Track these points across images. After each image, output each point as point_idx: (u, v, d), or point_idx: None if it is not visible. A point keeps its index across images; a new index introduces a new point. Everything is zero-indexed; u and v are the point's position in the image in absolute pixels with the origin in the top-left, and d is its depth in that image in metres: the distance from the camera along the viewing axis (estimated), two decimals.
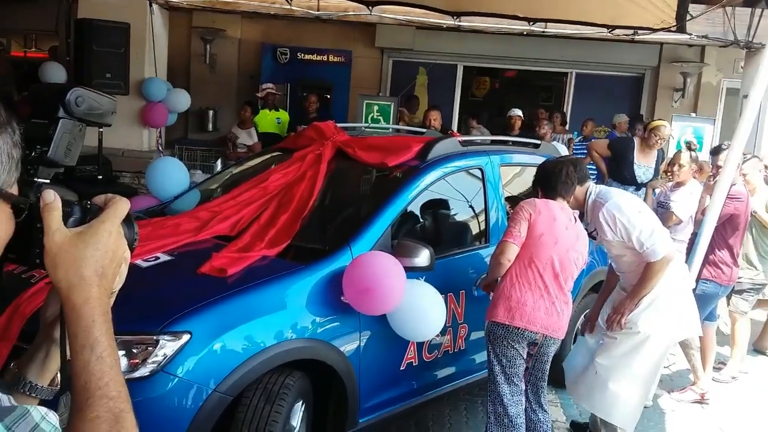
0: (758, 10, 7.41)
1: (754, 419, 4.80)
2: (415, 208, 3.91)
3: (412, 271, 3.33)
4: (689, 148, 5.80)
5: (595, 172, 6.34)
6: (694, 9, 7.06)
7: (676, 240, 5.04)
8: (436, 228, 4.19)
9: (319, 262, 3.27)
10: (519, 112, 8.61)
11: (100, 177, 6.59)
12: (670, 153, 6.72)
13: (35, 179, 1.09)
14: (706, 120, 8.38)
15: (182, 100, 8.10)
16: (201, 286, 3.02)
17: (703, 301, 4.81)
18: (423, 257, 3.35)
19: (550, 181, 3.54)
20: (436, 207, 4.17)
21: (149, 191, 4.35)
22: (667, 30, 7.16)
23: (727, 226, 4.79)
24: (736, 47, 7.81)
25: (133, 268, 3.15)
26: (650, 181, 6.06)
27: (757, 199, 5.12)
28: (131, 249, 1.04)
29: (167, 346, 2.71)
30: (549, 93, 15.29)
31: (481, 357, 4.10)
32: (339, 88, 10.76)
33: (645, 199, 5.73)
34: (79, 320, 0.94)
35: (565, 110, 11.34)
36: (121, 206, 1.02)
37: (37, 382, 1.08)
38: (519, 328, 3.30)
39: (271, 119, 8.86)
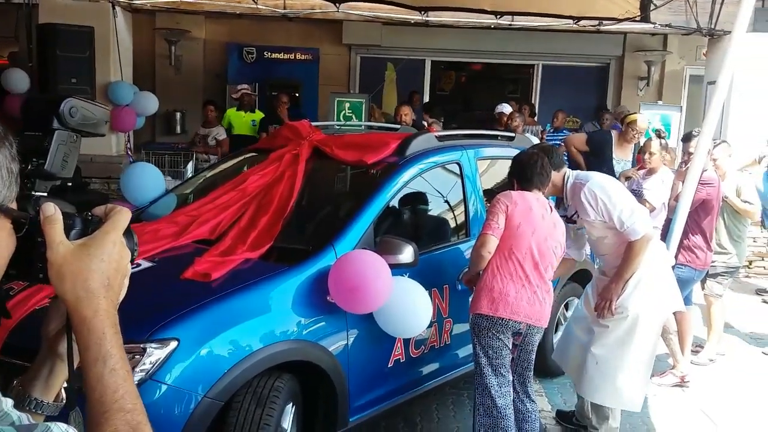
0: None
1: (734, 400, 4.89)
2: (395, 204, 3.92)
3: (396, 268, 3.33)
4: (659, 136, 5.89)
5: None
6: None
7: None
8: (417, 223, 4.20)
9: (303, 263, 3.25)
10: (508, 108, 8.56)
11: (70, 184, 6.44)
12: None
13: (33, 193, 1.06)
14: (673, 108, 8.54)
15: (150, 102, 7.97)
16: (186, 291, 2.99)
17: (679, 286, 4.88)
18: (407, 254, 3.36)
19: (526, 173, 3.58)
20: (416, 202, 4.18)
21: (124, 197, 4.27)
22: (632, 20, 7.26)
23: (700, 211, 4.88)
24: (699, 35, 7.93)
25: None
26: (623, 171, 6.14)
27: (728, 183, 5.22)
28: (132, 259, 1.03)
29: (155, 354, 2.68)
30: (516, 85, 15.39)
31: (465, 351, 4.12)
32: (307, 86, 10.71)
33: None
34: (90, 334, 0.92)
35: (533, 102, 11.45)
36: (123, 217, 1.01)
37: (43, 399, 1.06)
38: (503, 318, 3.33)
39: (246, 121, 8.77)
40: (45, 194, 1.06)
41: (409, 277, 3.53)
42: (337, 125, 5.08)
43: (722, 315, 5.55)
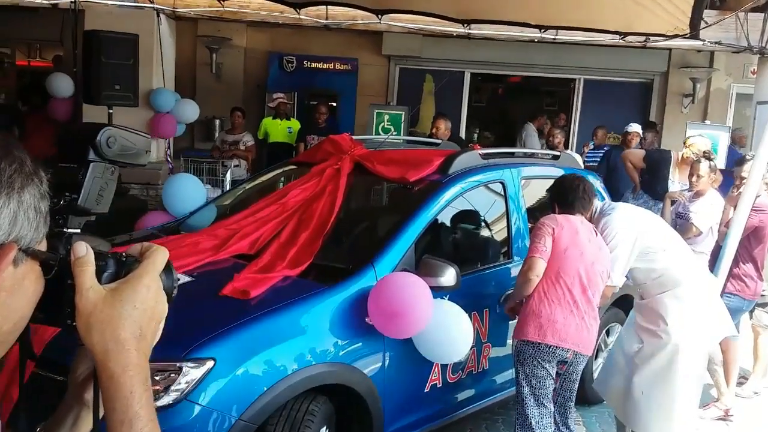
0: None
1: None
2: (437, 223, 3.83)
3: (437, 291, 3.25)
4: (707, 158, 5.71)
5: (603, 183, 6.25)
6: (707, 15, 6.98)
7: (697, 251, 4.95)
8: (458, 244, 4.11)
9: (342, 283, 3.18)
10: (637, 127, 8.11)
11: None
12: None
13: (65, 230, 1.00)
14: (721, 127, 8.29)
15: (190, 110, 8.02)
16: (224, 309, 2.94)
17: None
18: (449, 276, 3.27)
19: (567, 197, 3.48)
20: (458, 222, 4.09)
21: (165, 207, 4.26)
22: (681, 37, 7.08)
23: (752, 238, 4.70)
24: (749, 53, 7.71)
25: None
26: (669, 192, 5.96)
27: None
28: (170, 298, 0.96)
29: (191, 374, 2.63)
30: (553, 98, 15.23)
31: (504, 377, 4.02)
32: (345, 96, 10.69)
33: (663, 210, 5.63)
34: (117, 392, 0.85)
35: (573, 117, 11.28)
36: (160, 257, 0.94)
37: None
38: (550, 345, 3.22)
39: (282, 128, 8.80)
40: (78, 231, 1.00)
41: (449, 299, 3.44)
42: (379, 139, 5.00)
43: None
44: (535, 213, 4.47)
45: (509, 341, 3.99)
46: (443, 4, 7.08)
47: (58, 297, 0.86)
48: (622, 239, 3.62)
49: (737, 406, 4.91)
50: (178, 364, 2.62)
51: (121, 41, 6.53)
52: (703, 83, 10.60)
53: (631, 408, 3.76)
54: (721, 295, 4.57)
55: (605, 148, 9.13)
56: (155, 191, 7.87)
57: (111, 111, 6.62)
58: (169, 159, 8.41)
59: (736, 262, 4.65)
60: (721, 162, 7.27)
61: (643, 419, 3.74)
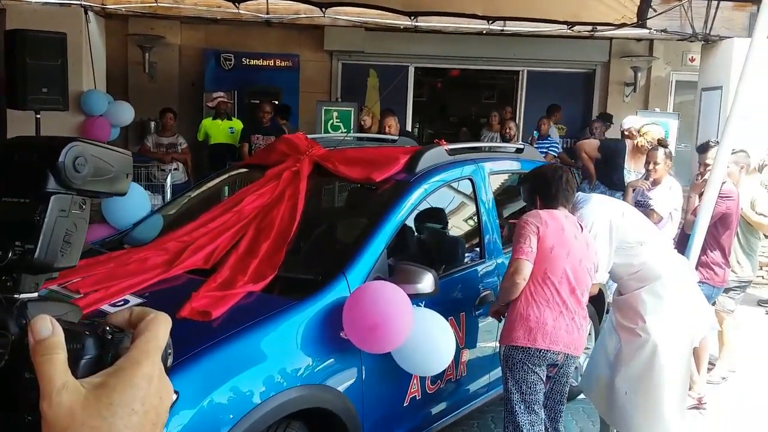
0: (714, 3, 7.37)
1: (750, 420, 4.67)
2: (406, 225, 3.59)
3: (413, 298, 3.01)
4: (662, 145, 5.68)
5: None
6: (654, 3, 6.97)
7: None
8: (429, 246, 3.88)
9: (313, 296, 2.90)
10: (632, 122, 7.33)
11: None
12: None
13: (15, 296, 0.68)
14: (671, 115, 8.35)
15: (125, 112, 7.55)
16: (183, 333, 2.61)
17: None
18: (426, 282, 3.03)
19: (551, 189, 3.29)
20: (427, 223, 3.87)
21: (106, 219, 3.89)
22: (628, 25, 7.05)
23: (719, 225, 4.65)
24: (694, 40, 7.76)
25: (100, 315, 2.61)
26: (629, 182, 5.92)
27: (742, 195, 5.00)
28: (166, 370, 0.69)
29: None
30: (492, 91, 15.23)
31: (483, 381, 3.84)
32: (288, 93, 10.35)
33: (624, 200, 5.56)
34: None
35: (518, 109, 11.24)
36: (162, 328, 0.67)
37: None
38: (541, 349, 3.03)
39: (223, 129, 8.42)
40: (35, 295, 0.69)
41: (424, 306, 3.21)
42: (338, 138, 4.72)
43: (735, 331, 5.34)
44: (505, 209, 4.30)
45: (485, 345, 3.81)
46: None
47: (10, 401, 0.58)
48: (598, 231, 3.47)
49: (709, 393, 4.88)
50: None
51: (47, 41, 6.04)
52: (643, 72, 10.73)
53: (616, 409, 3.63)
54: None
55: (550, 140, 9.11)
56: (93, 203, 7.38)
57: (38, 116, 6.13)
58: None
59: (704, 250, 4.59)
60: (672, 149, 7.28)
61: (628, 421, 3.61)
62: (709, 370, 5.25)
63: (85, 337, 0.62)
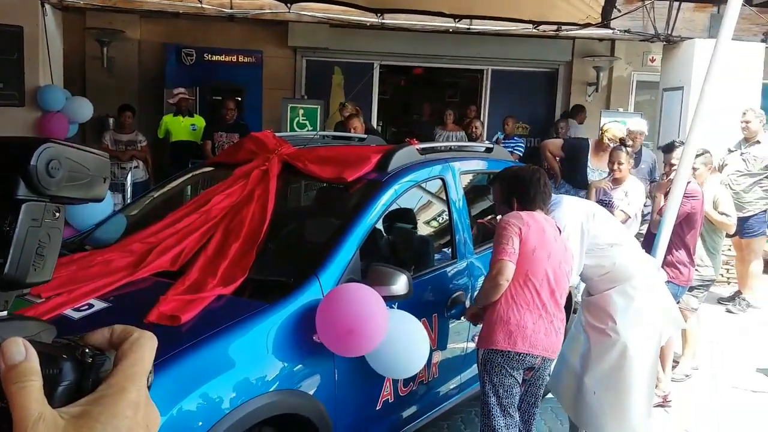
0: (675, 4, 7.49)
1: (714, 416, 4.74)
2: (378, 226, 3.54)
3: (388, 300, 2.96)
4: (624, 145, 5.76)
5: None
6: (617, 4, 7.05)
7: None
8: (401, 247, 3.84)
9: (284, 299, 2.83)
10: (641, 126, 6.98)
11: None
12: None
13: None
14: (634, 114, 8.46)
15: (83, 108, 7.32)
16: None
17: None
18: (400, 284, 2.99)
19: (528, 191, 3.26)
20: (398, 223, 3.82)
21: (65, 220, 3.74)
22: (593, 26, 7.11)
23: (684, 225, 4.70)
24: (656, 41, 7.87)
25: (63, 320, 2.49)
26: (592, 181, 5.97)
27: (705, 195, 5.08)
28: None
29: None
30: (455, 90, 15.27)
31: (455, 382, 3.81)
32: (251, 90, 10.21)
33: (588, 199, 5.61)
34: None
35: (482, 108, 11.28)
36: (148, 350, 0.61)
37: None
38: (520, 353, 3.01)
39: (185, 126, 8.25)
40: (4, 313, 0.62)
41: (398, 307, 3.16)
42: (307, 136, 4.64)
43: (698, 329, 5.42)
44: (474, 209, 4.28)
45: (457, 346, 3.79)
46: None
47: None
48: (570, 234, 3.47)
49: (674, 391, 4.94)
50: None
51: (3, 34, 5.82)
52: (605, 72, 10.87)
53: (584, 409, 3.64)
54: None
55: (515, 139, 9.16)
56: None
57: None
58: None
59: (669, 250, 4.63)
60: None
61: (596, 420, 3.63)
62: (672, 368, 5.33)
63: (62, 361, 0.56)
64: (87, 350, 0.59)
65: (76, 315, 2.64)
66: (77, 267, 3.05)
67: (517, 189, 3.27)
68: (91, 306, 2.72)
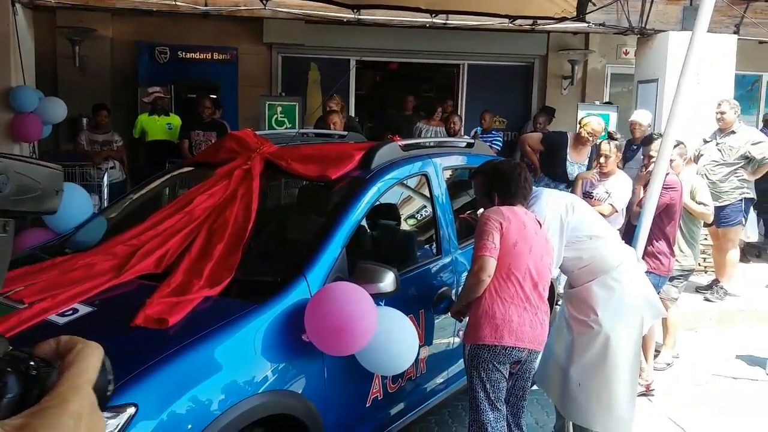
0: None
1: (696, 404, 4.82)
2: (363, 223, 3.54)
3: (376, 298, 2.95)
4: (611, 138, 5.80)
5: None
6: None
7: None
8: (386, 244, 3.83)
9: (272, 299, 2.81)
10: (646, 117, 7.19)
11: None
12: None
13: None
14: (610, 108, 8.53)
15: (57, 109, 7.19)
16: (138, 343, 2.50)
17: None
18: (388, 281, 2.99)
19: (509, 186, 3.27)
20: (382, 220, 3.82)
21: (46, 223, 3.68)
22: (568, 20, 7.15)
23: (663, 216, 4.76)
24: (631, 34, 7.95)
25: (48, 326, 2.46)
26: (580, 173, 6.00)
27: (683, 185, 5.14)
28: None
29: (109, 425, 2.18)
30: (431, 84, 15.27)
31: (441, 378, 3.82)
32: (226, 87, 10.11)
33: (573, 192, 5.65)
34: None
35: (459, 103, 11.29)
36: (92, 360, 0.64)
37: None
38: (507, 347, 3.02)
39: (161, 125, 8.15)
40: None
41: (385, 304, 3.16)
42: (288, 135, 4.60)
43: (678, 318, 5.50)
44: (457, 204, 4.29)
45: (443, 341, 3.80)
46: None
47: None
48: (549, 226, 3.49)
49: (655, 379, 5.01)
50: None
51: None
52: (580, 65, 10.93)
53: (570, 400, 3.67)
54: None
55: (494, 134, 9.18)
56: None
57: None
58: None
59: (649, 241, 4.68)
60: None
61: (582, 411, 3.66)
62: (654, 356, 5.40)
63: (6, 374, 0.57)
64: (32, 363, 0.59)
65: (61, 320, 2.60)
66: (59, 271, 3.00)
67: (497, 184, 3.28)
68: (75, 311, 2.68)
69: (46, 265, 3.09)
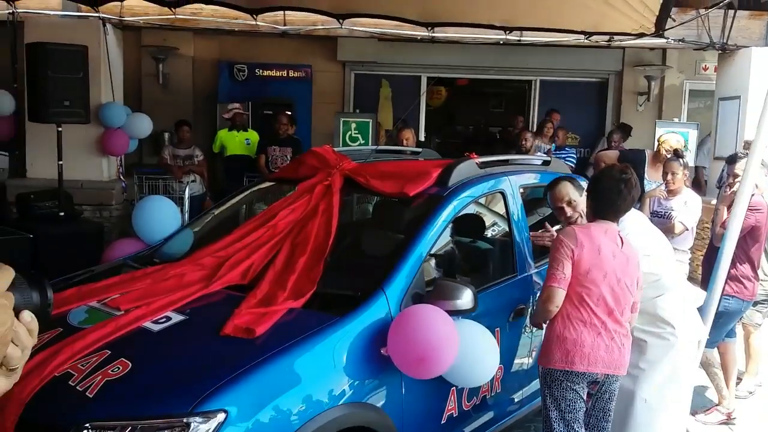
0: (731, 12, 7.36)
1: None
2: (440, 240, 3.57)
3: (453, 314, 2.99)
4: (678, 155, 5.66)
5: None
6: (672, 13, 6.95)
7: (678, 250, 4.89)
8: (462, 261, 3.86)
9: (353, 312, 2.88)
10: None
11: (62, 213, 6.01)
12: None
13: None
14: (690, 125, 8.33)
15: (143, 124, 7.55)
16: (228, 351, 2.61)
17: (726, 318, 4.63)
18: (466, 298, 3.01)
19: (613, 199, 3.13)
20: (459, 237, 3.85)
21: (137, 234, 3.87)
22: (647, 35, 7.03)
23: (748, 238, 4.61)
24: (711, 50, 7.75)
25: (143, 332, 2.61)
26: (647, 191, 5.88)
27: None
28: (45, 315, 0.92)
29: (199, 430, 2.29)
30: (499, 100, 15.20)
31: (516, 397, 3.81)
32: (300, 104, 10.36)
33: (641, 209, 5.53)
34: None
35: (531, 119, 11.21)
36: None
37: None
38: (579, 372, 2.99)
39: (240, 140, 8.42)
40: None
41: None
42: (366, 151, 4.69)
43: (762, 344, 5.29)
44: (533, 222, 4.27)
45: (519, 360, 3.78)
46: (406, 6, 6.83)
47: None
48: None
49: (736, 407, 4.83)
50: (184, 420, 2.29)
51: (69, 53, 6.04)
52: (657, 81, 10.70)
53: (633, 426, 3.55)
54: (720, 298, 4.47)
55: (567, 150, 9.08)
56: (108, 212, 7.40)
57: (60, 129, 6.13)
58: (122, 177, 7.91)
59: (733, 264, 4.54)
60: (691, 159, 7.27)
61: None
62: (736, 384, 5.21)
63: None
64: None
65: (156, 327, 2.74)
66: (152, 280, 3.15)
67: (594, 192, 3.21)
68: (168, 318, 2.81)
69: (139, 275, 3.25)
